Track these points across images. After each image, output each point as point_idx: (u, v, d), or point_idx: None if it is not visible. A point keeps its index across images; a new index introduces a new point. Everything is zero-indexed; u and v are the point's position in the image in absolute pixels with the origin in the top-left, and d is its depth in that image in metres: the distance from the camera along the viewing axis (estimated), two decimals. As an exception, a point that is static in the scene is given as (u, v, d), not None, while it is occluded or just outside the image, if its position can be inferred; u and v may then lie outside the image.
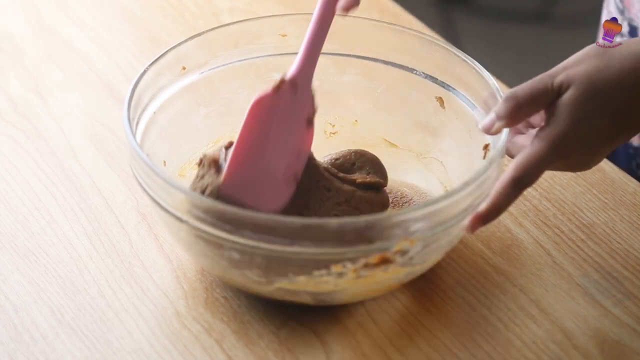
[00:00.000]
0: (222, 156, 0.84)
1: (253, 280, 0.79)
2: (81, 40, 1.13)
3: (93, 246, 0.89)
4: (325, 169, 0.86)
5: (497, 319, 0.82)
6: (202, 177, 0.83)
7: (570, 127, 0.77)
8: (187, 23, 1.14)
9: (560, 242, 0.88)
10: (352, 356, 0.80)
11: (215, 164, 0.83)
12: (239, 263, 0.78)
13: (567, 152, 0.78)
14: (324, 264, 0.77)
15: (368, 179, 0.87)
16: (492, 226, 0.89)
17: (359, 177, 0.87)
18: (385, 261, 0.77)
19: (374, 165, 0.89)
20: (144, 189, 0.81)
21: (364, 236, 0.76)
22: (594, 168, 0.94)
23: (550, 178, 0.94)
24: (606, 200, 0.92)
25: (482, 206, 0.78)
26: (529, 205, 0.91)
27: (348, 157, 0.90)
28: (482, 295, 0.84)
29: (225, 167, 0.82)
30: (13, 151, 0.98)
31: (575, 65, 0.78)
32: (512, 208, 0.90)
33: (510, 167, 0.77)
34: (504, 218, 0.90)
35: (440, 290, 0.84)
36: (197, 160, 0.85)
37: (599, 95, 0.77)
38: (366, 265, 0.77)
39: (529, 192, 0.92)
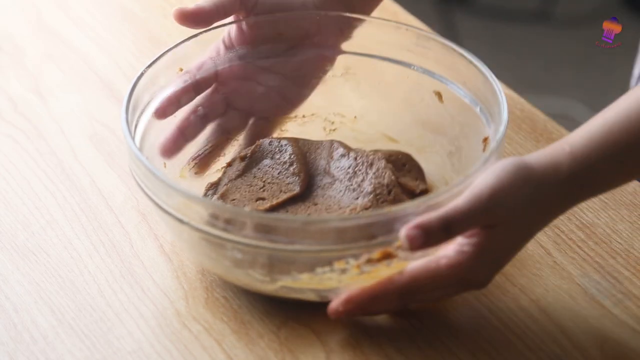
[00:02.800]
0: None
1: (256, 280, 0.79)
2: (81, 40, 1.13)
3: (93, 246, 0.89)
4: (392, 171, 0.87)
5: (497, 319, 0.82)
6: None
7: (479, 260, 0.77)
8: (187, 23, 1.14)
9: (560, 242, 0.88)
10: (352, 356, 0.80)
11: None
12: (242, 263, 0.78)
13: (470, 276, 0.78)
14: (326, 261, 0.77)
15: (425, 188, 0.89)
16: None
17: (414, 185, 0.88)
18: (388, 256, 0.77)
19: (420, 172, 0.91)
20: (144, 192, 0.81)
21: (365, 232, 0.76)
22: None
23: (550, 178, 0.94)
24: (606, 200, 0.92)
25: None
26: (529, 205, 0.91)
27: (399, 156, 0.90)
28: (482, 295, 0.84)
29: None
30: (13, 151, 0.98)
31: (505, 202, 0.76)
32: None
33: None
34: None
35: (440, 290, 0.84)
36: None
37: (521, 231, 0.78)
38: (369, 261, 0.77)
39: (529, 192, 0.92)
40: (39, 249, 0.88)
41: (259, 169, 0.90)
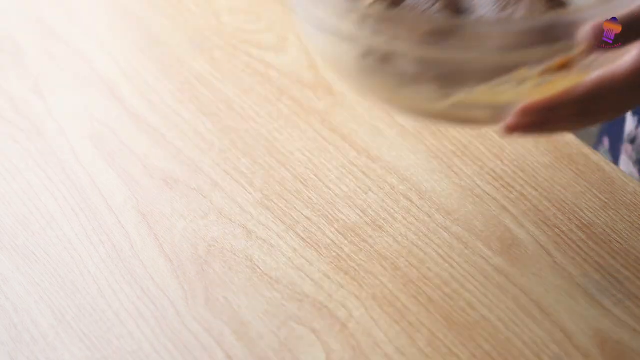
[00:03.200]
0: None
1: (426, 97, 0.75)
2: (81, 40, 1.13)
3: (93, 246, 0.89)
4: (545, 3, 0.82)
5: (497, 319, 0.82)
6: None
7: None
8: (187, 23, 1.14)
9: (560, 242, 0.88)
10: (352, 356, 0.80)
11: None
12: (412, 78, 0.75)
13: None
14: (505, 70, 0.74)
15: None
16: (492, 226, 0.89)
17: None
18: (566, 65, 0.74)
19: None
20: (303, 18, 0.77)
21: (546, 35, 0.72)
22: (593, 168, 0.94)
23: (550, 178, 0.94)
24: (606, 200, 0.92)
25: None
26: (529, 205, 0.91)
27: None
28: (482, 295, 0.84)
29: None
30: (13, 151, 0.98)
31: None
32: (512, 208, 0.91)
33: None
34: (504, 218, 0.90)
35: (440, 291, 0.84)
36: None
37: None
38: (548, 70, 0.74)
39: (528, 192, 0.92)
40: (39, 249, 0.89)
41: (401, 8, 0.87)
